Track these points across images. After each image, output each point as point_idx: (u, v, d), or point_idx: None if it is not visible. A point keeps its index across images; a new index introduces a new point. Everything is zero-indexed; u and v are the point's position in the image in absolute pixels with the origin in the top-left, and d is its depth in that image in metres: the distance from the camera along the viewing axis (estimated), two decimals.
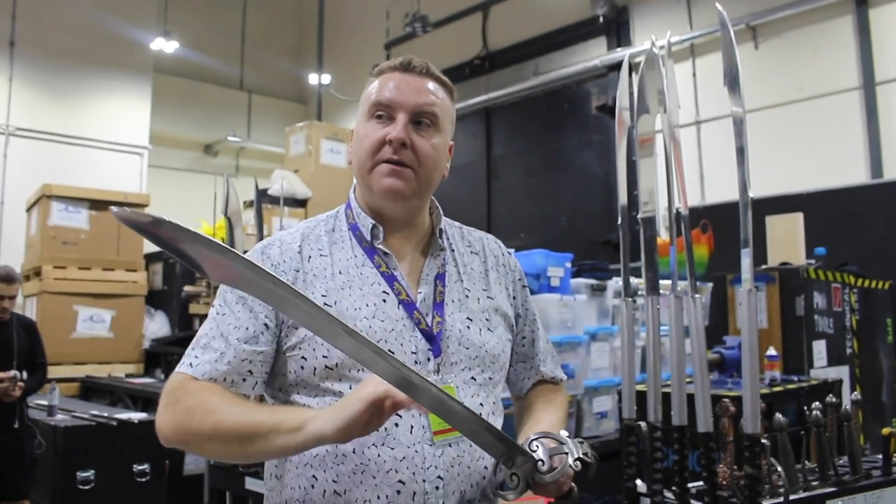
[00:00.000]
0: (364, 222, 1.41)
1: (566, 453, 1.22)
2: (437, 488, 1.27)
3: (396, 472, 1.26)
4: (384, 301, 1.34)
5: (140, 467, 3.63)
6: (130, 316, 5.63)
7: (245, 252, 1.47)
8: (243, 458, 1.25)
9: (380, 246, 1.39)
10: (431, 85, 1.40)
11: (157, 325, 5.81)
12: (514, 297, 1.52)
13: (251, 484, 3.10)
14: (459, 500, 1.30)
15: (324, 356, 1.30)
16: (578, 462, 1.21)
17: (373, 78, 1.43)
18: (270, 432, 1.18)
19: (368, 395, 1.11)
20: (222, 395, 1.27)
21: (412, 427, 1.28)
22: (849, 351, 3.79)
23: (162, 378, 5.40)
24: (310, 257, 1.38)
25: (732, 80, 1.64)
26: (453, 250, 1.48)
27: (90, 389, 5.21)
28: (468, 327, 1.38)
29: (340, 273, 1.36)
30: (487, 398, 1.37)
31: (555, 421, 1.42)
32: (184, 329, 5.67)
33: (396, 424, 1.27)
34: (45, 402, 3.89)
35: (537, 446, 1.23)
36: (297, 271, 1.36)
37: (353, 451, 1.26)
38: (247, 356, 1.32)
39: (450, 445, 1.29)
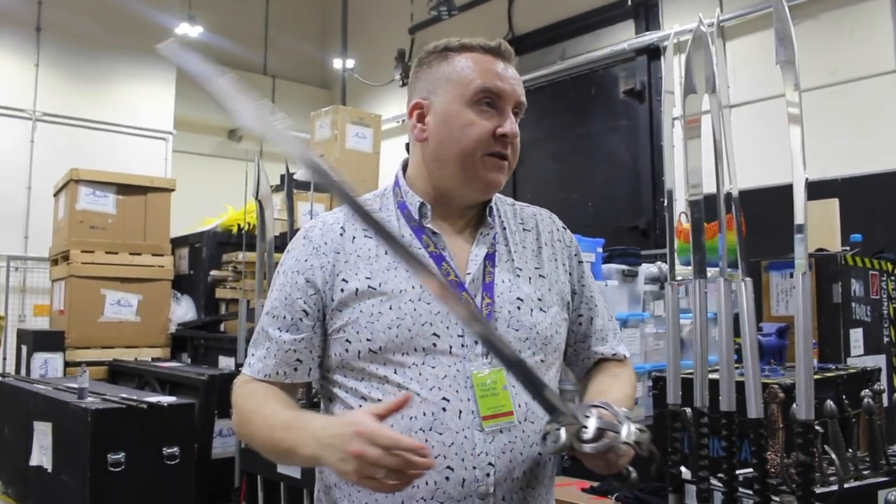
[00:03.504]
0: (412, 201, 1.37)
1: (617, 433, 1.15)
2: (487, 475, 1.24)
3: (444, 458, 1.23)
4: None
5: (170, 450, 3.63)
6: (157, 300, 5.64)
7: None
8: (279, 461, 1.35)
9: (428, 225, 1.35)
10: (515, 72, 1.38)
11: (183, 310, 5.81)
12: (570, 274, 1.46)
13: (283, 468, 3.09)
14: (511, 489, 1.26)
15: (367, 339, 1.28)
16: (626, 446, 1.14)
17: (453, 53, 1.37)
18: (288, 454, 1.26)
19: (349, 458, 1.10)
20: (259, 398, 1.33)
21: (461, 412, 1.24)
22: (885, 340, 3.72)
23: (188, 362, 5.42)
24: (353, 238, 1.35)
25: (787, 59, 1.59)
26: (504, 228, 1.43)
27: (117, 373, 5.23)
28: (518, 308, 1.34)
29: (386, 253, 1.32)
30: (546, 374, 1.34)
31: (621, 396, 1.37)
32: (210, 313, 5.67)
33: (444, 409, 1.24)
34: (75, 385, 3.91)
35: (590, 414, 1.16)
36: (338, 253, 1.33)
37: None
38: (290, 346, 1.33)
39: (501, 431, 1.25)
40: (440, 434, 1.24)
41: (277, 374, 1.33)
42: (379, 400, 1.27)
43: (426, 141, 1.37)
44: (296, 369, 1.34)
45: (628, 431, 1.15)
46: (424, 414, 1.24)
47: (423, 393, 1.25)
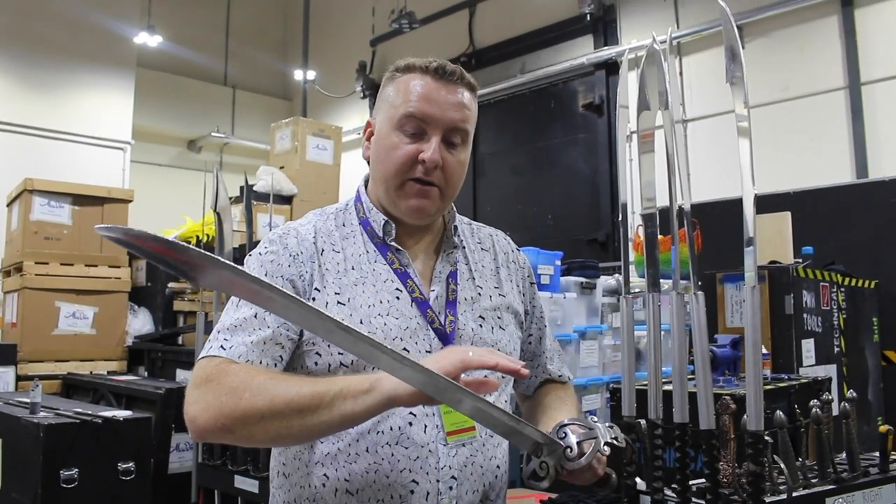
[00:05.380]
0: (376, 218, 1.38)
1: (595, 438, 1.17)
2: (450, 488, 1.26)
3: (410, 471, 1.24)
4: (397, 298, 1.31)
5: (125, 465, 3.57)
6: (113, 313, 5.54)
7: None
8: (301, 432, 1.13)
9: (392, 243, 1.35)
10: (463, 94, 1.33)
11: (140, 322, 5.72)
12: (523, 294, 1.50)
13: (240, 482, 3.06)
14: (472, 501, 1.28)
15: (339, 353, 1.25)
16: (608, 447, 1.17)
17: (398, 74, 1.34)
18: (336, 398, 1.09)
19: (451, 364, 1.05)
20: (268, 372, 1.19)
21: (426, 427, 1.26)
22: (836, 350, 3.81)
23: (145, 375, 5.33)
24: (323, 251, 1.34)
25: (736, 76, 1.63)
26: (464, 247, 1.45)
27: (72, 387, 5.12)
28: (480, 326, 1.36)
29: (353, 269, 1.32)
30: (500, 396, 1.36)
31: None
32: (167, 326, 5.59)
33: (410, 424, 1.25)
34: (27, 400, 3.82)
35: (565, 433, 1.19)
36: (314, 262, 1.32)
37: (367, 451, 1.24)
38: (281, 340, 1.24)
39: (463, 445, 1.28)
40: (406, 448, 1.25)
41: (261, 363, 1.21)
42: None
43: (369, 159, 1.39)
44: (276, 364, 1.24)
45: (604, 432, 1.18)
46: (391, 428, 1.25)
47: None
